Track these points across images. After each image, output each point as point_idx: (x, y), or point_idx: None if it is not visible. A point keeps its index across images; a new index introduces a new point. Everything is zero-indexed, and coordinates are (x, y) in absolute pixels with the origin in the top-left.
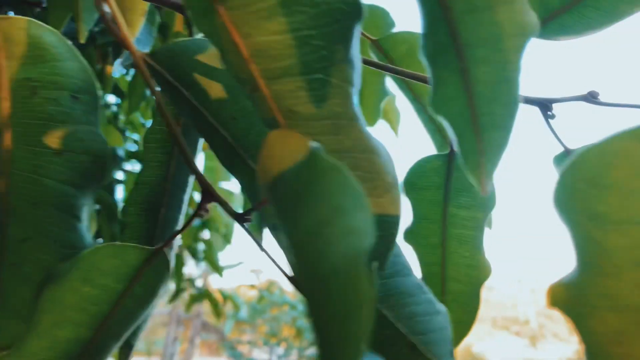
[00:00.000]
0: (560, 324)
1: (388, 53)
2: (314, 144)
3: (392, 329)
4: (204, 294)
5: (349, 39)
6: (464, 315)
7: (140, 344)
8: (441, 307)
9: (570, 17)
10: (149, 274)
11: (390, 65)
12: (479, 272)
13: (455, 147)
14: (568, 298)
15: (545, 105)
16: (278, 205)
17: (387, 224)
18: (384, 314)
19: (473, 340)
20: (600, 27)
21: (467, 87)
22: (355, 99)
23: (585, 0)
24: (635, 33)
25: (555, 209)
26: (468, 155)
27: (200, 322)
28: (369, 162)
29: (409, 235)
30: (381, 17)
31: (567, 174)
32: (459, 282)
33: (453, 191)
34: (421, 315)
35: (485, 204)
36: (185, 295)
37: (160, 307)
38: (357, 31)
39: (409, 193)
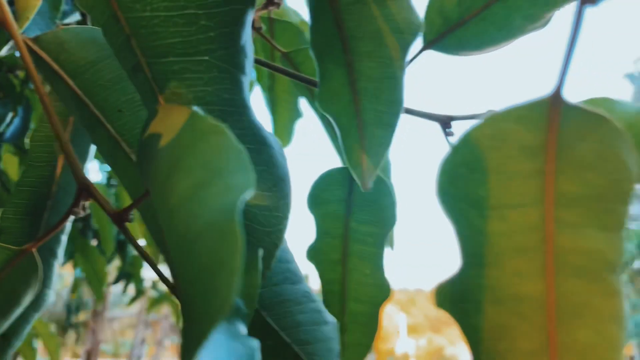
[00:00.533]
0: None
1: (299, 67)
2: (195, 108)
3: (275, 339)
4: (164, 297)
5: (240, 24)
6: (363, 338)
7: (107, 345)
8: (329, 317)
9: (468, 31)
10: (11, 278)
11: (301, 75)
12: (378, 292)
13: (339, 143)
14: (452, 295)
15: (445, 122)
16: (154, 178)
17: (274, 219)
18: (268, 322)
19: (445, 343)
20: (497, 43)
21: (352, 81)
22: (247, 88)
23: (482, 14)
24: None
25: (437, 198)
26: (351, 151)
27: (169, 324)
28: (257, 154)
29: (311, 253)
30: (295, 34)
31: (448, 160)
32: (359, 302)
33: (355, 205)
34: (307, 324)
35: (385, 220)
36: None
37: (128, 308)
38: (249, 18)
39: (312, 207)
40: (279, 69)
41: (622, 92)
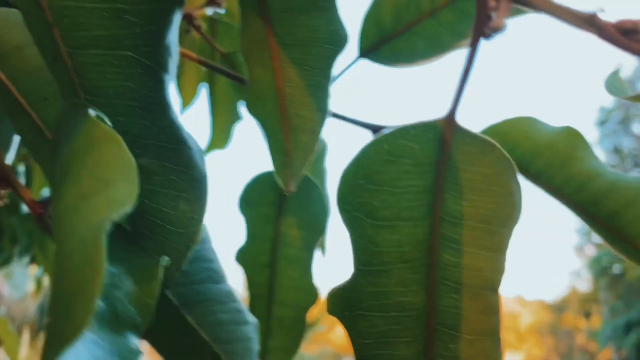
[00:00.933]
0: (509, 332)
1: (237, 69)
2: (92, 112)
3: (195, 337)
4: None
5: (167, 22)
6: (288, 342)
7: None
8: (251, 317)
9: (400, 44)
10: None
11: (238, 75)
12: (305, 296)
13: (265, 147)
14: (342, 302)
15: (376, 130)
16: (53, 181)
17: (188, 221)
18: (188, 320)
19: None
20: (428, 57)
21: (280, 87)
22: (169, 87)
23: (414, 28)
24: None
25: (337, 206)
26: (276, 155)
27: None
28: (175, 153)
29: (240, 255)
30: (238, 37)
31: (349, 171)
32: (286, 306)
33: (286, 209)
34: (228, 323)
35: (316, 225)
36: None
37: None
38: (177, 17)
39: (243, 209)
40: (216, 67)
41: (604, 98)
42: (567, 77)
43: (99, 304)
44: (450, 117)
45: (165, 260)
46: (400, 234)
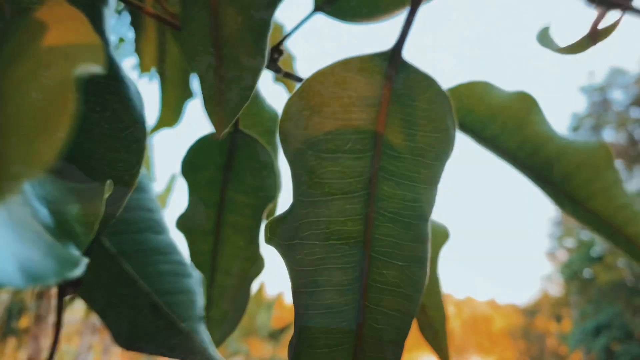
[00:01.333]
0: (481, 336)
1: None
2: None
3: (133, 288)
4: None
5: None
6: (231, 313)
7: None
8: (194, 271)
9: None
10: None
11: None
12: (251, 266)
13: (198, 87)
14: (282, 232)
15: None
16: None
17: (124, 163)
18: (126, 270)
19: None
20: (389, 12)
21: (216, 27)
22: (108, 21)
23: None
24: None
25: (279, 137)
26: (209, 98)
27: None
28: (112, 93)
29: (182, 222)
30: None
31: (293, 102)
32: (229, 275)
33: (234, 173)
34: (169, 274)
35: (265, 191)
36: None
37: (75, 313)
38: None
39: (186, 173)
40: (162, 18)
41: (577, 105)
42: (541, 84)
43: (45, 213)
44: (397, 50)
45: (110, 182)
46: (342, 165)
